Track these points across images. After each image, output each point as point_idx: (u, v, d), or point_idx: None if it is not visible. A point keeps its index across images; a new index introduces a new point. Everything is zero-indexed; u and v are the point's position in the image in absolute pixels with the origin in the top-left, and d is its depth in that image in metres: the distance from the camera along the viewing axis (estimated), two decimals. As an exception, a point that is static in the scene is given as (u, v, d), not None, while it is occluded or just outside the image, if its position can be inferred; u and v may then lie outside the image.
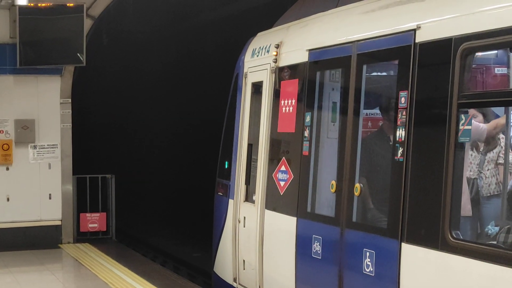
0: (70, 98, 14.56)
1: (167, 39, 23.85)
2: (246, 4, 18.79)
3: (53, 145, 14.40)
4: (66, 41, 13.85)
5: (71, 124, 14.58)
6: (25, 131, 14.15)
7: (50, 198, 14.38)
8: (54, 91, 14.42)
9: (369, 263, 6.91)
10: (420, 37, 6.48)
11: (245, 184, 9.98)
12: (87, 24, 14.17)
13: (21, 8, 13.45)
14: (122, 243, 16.05)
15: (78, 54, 13.81)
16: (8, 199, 14.21)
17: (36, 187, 14.33)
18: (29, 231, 14.30)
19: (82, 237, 14.88)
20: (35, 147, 14.31)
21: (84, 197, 15.01)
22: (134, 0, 19.03)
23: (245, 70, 10.30)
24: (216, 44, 21.97)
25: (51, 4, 13.78)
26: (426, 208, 6.27)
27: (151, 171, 25.87)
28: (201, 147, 23.48)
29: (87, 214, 14.99)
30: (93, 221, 14.99)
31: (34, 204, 14.32)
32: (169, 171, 25.67)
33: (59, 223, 14.50)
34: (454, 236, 5.93)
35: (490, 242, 5.94)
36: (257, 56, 9.95)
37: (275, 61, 9.20)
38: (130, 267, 12.25)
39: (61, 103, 14.44)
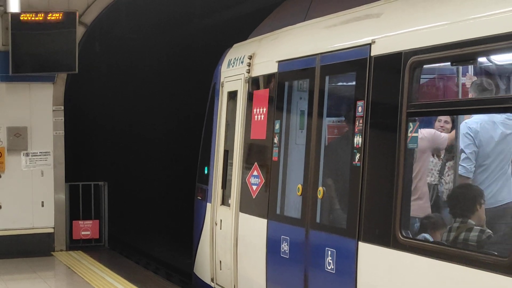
0: (62, 105, 14.56)
1: (159, 45, 23.96)
2: (237, 11, 19.03)
3: (45, 152, 14.36)
4: (59, 48, 13.78)
5: (63, 132, 14.57)
6: (18, 138, 14.11)
7: (42, 205, 14.31)
8: (46, 98, 14.41)
9: (331, 261, 7.40)
10: (375, 51, 6.98)
11: (222, 188, 10.48)
12: (80, 31, 14.13)
13: (14, 15, 13.36)
14: (115, 251, 15.92)
15: (71, 61, 13.75)
16: (0, 207, 14.15)
17: (29, 194, 14.27)
18: (22, 239, 14.21)
19: (74, 244, 14.83)
20: (27, 154, 14.26)
21: (76, 205, 14.94)
22: (126, 7, 19.16)
23: (221, 80, 10.81)
24: (207, 51, 22.10)
25: (43, 11, 13.71)
26: (379, 210, 6.76)
27: (144, 178, 25.79)
28: (194, 154, 23.52)
29: (80, 222, 14.94)
30: (86, 229, 14.92)
31: (27, 212, 14.27)
32: (162, 178, 25.56)
33: (51, 230, 14.45)
34: (404, 235, 6.43)
35: (436, 240, 6.45)
36: (233, 66, 10.45)
37: (248, 71, 9.71)
38: (123, 275, 12.24)
39: (53, 110, 14.41)
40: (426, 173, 7.43)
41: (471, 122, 7.20)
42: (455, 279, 5.84)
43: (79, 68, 13.87)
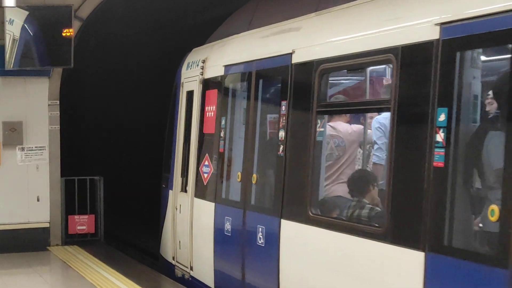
0: (58, 100, 14.34)
1: (155, 41, 24.09)
2: (235, 7, 19.53)
3: (41, 147, 14.18)
4: (55, 43, 13.51)
5: (59, 126, 14.36)
6: (13, 133, 13.95)
7: (38, 200, 14.16)
8: (42, 93, 14.19)
9: (261, 236, 8.76)
10: (295, 59, 8.33)
11: (181, 177, 11.84)
12: (75, 25, 13.84)
13: (9, 9, 13.00)
14: (111, 245, 15.83)
15: (66, 56, 13.45)
16: (-5, 202, 13.90)
17: (24, 189, 14.09)
18: (17, 234, 14.02)
19: (70, 239, 14.65)
20: (23, 149, 14.08)
21: (72, 199, 14.81)
22: (122, 4, 19.66)
23: (182, 80, 12.16)
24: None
25: (39, 5, 13.52)
26: (296, 192, 8.12)
27: (140, 173, 25.31)
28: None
29: (76, 216, 14.79)
30: (82, 223, 14.80)
31: (22, 207, 14.09)
32: (159, 173, 25.56)
33: (47, 225, 14.26)
34: (313, 212, 7.79)
35: (337, 216, 7.82)
36: (190, 68, 11.81)
37: (202, 73, 11.07)
38: (118, 269, 12.24)
39: (49, 105, 14.22)
40: (354, 161, 8.78)
41: (381, 118, 8.51)
42: (350, 247, 7.19)
43: (74, 62, 13.53)
